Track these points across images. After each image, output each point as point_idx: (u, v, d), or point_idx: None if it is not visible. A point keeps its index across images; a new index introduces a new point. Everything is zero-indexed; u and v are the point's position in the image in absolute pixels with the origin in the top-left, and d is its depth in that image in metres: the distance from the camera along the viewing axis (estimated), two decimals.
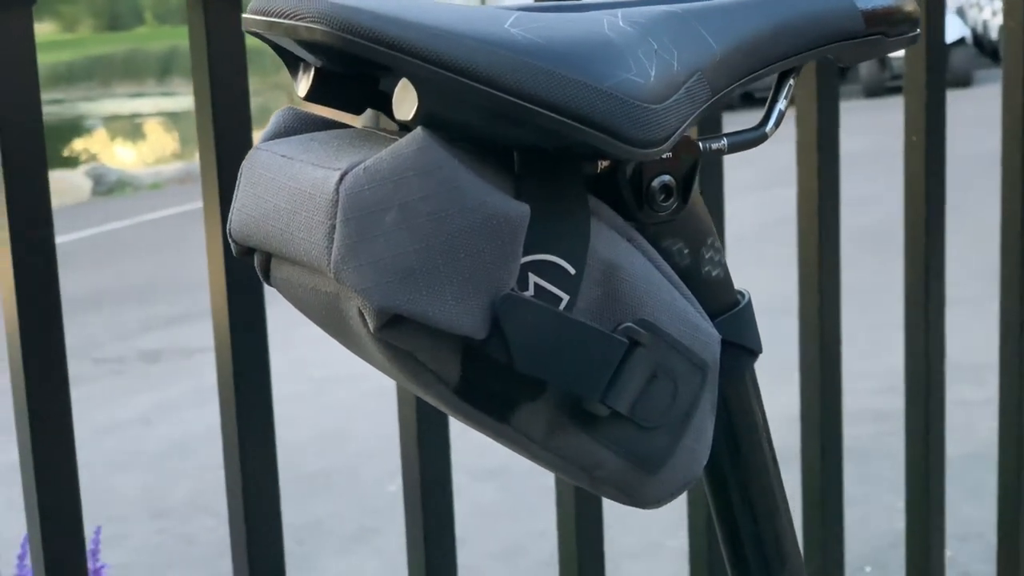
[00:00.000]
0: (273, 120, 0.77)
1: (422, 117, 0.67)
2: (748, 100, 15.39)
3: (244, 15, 0.71)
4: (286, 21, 0.68)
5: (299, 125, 0.76)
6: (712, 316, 0.78)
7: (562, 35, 0.68)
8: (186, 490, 4.48)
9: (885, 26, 0.81)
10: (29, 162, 1.18)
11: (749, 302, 0.82)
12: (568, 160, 0.71)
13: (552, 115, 0.67)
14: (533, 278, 0.69)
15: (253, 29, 0.72)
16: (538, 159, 0.70)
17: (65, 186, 14.01)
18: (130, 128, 23.30)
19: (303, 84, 0.73)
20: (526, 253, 0.68)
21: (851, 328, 4.57)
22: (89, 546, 1.93)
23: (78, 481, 1.23)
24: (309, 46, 0.70)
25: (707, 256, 0.79)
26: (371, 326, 0.66)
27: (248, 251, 0.75)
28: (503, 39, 0.67)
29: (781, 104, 0.80)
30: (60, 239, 9.23)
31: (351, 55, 0.66)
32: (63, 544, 1.22)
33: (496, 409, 0.71)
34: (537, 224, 0.69)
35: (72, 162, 17.38)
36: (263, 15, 0.70)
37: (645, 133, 0.69)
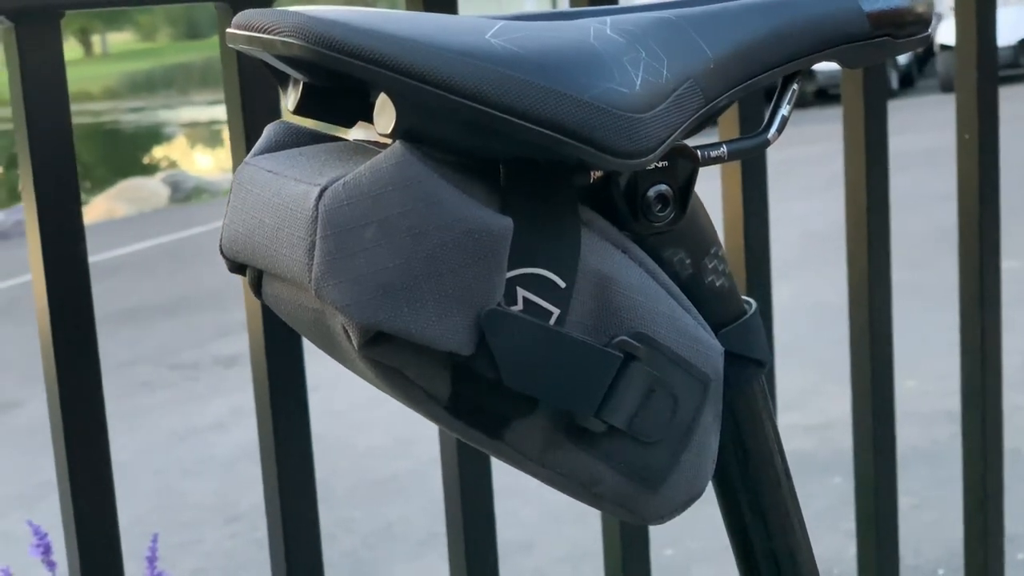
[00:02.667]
0: (264, 134, 0.76)
1: (401, 131, 0.66)
2: (823, 97, 15.27)
3: (228, 30, 0.71)
4: (264, 36, 0.67)
5: (290, 139, 0.76)
6: (717, 327, 0.77)
7: (544, 45, 0.67)
8: (259, 495, 4.48)
9: (892, 28, 0.79)
10: (60, 177, 1.18)
11: (756, 312, 0.80)
12: (557, 171, 0.69)
13: (532, 127, 0.65)
14: (521, 292, 0.68)
15: (236, 45, 0.71)
16: (524, 171, 0.69)
17: (143, 193, 14.15)
18: (208, 135, 23.52)
19: (291, 98, 0.73)
20: (513, 267, 0.67)
21: (928, 327, 4.52)
22: (146, 554, 1.93)
23: (114, 498, 1.23)
24: (289, 61, 0.70)
25: (710, 266, 0.78)
26: (355, 343, 0.65)
27: (240, 267, 0.75)
28: (482, 50, 0.65)
29: (784, 109, 0.78)
30: (137, 246, 9.32)
31: (330, 69, 0.65)
32: (99, 558, 1.23)
33: (489, 426, 0.70)
34: (524, 237, 0.67)
35: (151, 169, 17.55)
36: (244, 30, 0.69)
37: (630, 144, 0.67)
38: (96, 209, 14.11)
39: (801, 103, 15.55)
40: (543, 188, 0.69)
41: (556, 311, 0.69)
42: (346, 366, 0.72)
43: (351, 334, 0.65)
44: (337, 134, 0.78)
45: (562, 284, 0.69)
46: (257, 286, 0.74)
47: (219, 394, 5.92)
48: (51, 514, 2.70)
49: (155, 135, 23.87)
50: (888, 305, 1.70)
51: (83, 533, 1.21)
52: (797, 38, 0.75)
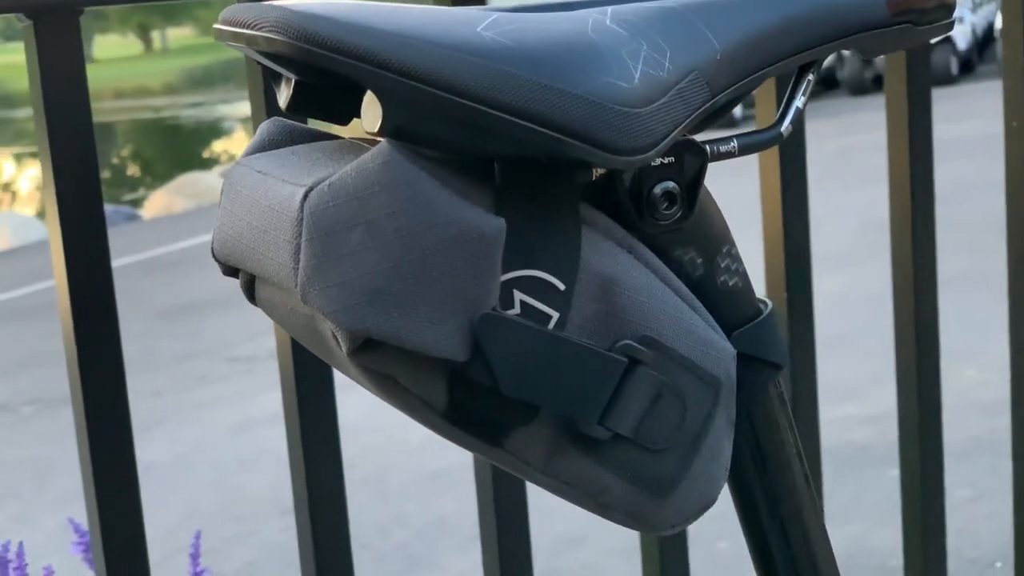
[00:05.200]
0: (258, 132, 0.74)
1: (389, 129, 0.63)
2: (882, 84, 15.10)
3: (214, 26, 0.68)
4: (248, 31, 0.64)
5: (284, 137, 0.73)
6: (730, 329, 0.74)
7: (537, 38, 0.64)
8: None
9: (913, 14, 0.75)
10: (81, 175, 1.16)
11: (772, 312, 0.77)
12: (555, 169, 0.66)
13: (524, 124, 0.62)
14: (519, 295, 0.65)
15: (223, 41, 0.68)
16: (520, 168, 0.66)
17: (201, 188, 14.23)
18: None
19: (284, 95, 0.70)
20: (508, 269, 0.64)
21: (989, 316, 4.45)
22: (189, 551, 1.93)
23: (139, 500, 1.22)
24: (274, 57, 0.67)
25: (723, 265, 0.74)
26: (344, 349, 0.63)
27: (233, 270, 0.72)
28: (472, 44, 0.62)
29: (799, 101, 0.75)
30: (194, 241, 9.38)
31: (314, 65, 0.63)
32: (125, 555, 1.22)
33: (488, 434, 0.67)
34: (520, 238, 0.65)
35: (210, 163, 17.64)
36: (229, 25, 0.66)
37: (627, 140, 0.64)
38: (155, 204, 14.21)
39: (860, 90, 15.37)
40: (541, 186, 0.66)
41: (555, 314, 0.66)
42: (342, 371, 0.70)
43: (340, 340, 0.62)
44: (335, 131, 0.75)
45: (561, 286, 0.66)
46: (250, 290, 0.72)
47: (275, 388, 5.87)
48: None
49: (214, 129, 24.00)
50: (934, 297, 1.66)
51: (108, 533, 1.20)
52: (811, 26, 0.72)
